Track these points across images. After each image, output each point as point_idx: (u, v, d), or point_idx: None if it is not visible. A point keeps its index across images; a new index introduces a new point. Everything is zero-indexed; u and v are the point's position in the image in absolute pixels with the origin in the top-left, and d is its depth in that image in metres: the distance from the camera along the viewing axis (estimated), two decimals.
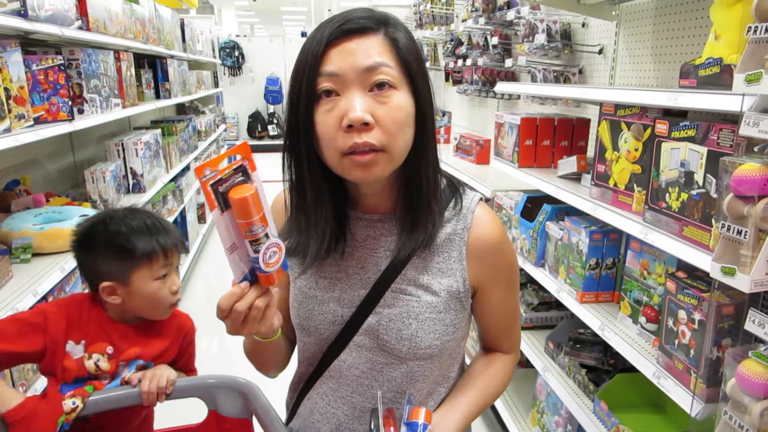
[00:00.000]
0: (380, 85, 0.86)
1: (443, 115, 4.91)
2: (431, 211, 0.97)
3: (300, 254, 1.00)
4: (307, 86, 0.88)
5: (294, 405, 1.15)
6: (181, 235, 1.39)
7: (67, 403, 1.14)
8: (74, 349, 1.26)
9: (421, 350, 0.97)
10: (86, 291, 1.36)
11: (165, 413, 1.42)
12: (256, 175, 0.83)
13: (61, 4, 2.20)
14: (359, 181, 0.93)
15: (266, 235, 0.82)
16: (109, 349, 1.29)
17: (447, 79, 4.74)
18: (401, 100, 0.88)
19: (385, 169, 0.89)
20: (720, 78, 1.33)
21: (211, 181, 0.79)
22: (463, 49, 3.95)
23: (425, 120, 0.93)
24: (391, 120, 0.87)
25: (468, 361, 1.16)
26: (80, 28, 2.41)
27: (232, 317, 0.84)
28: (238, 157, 0.82)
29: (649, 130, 1.55)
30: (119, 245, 1.28)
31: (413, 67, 0.91)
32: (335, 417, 1.05)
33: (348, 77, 0.86)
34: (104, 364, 1.28)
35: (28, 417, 1.12)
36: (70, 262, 2.18)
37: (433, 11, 4.65)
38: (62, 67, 2.21)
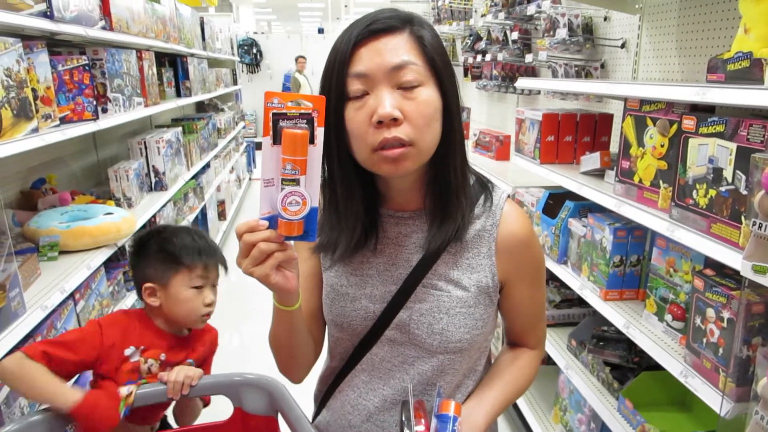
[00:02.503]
0: (408, 82, 0.89)
1: (462, 110, 4.89)
2: (460, 204, 0.99)
3: (331, 249, 1.03)
4: (337, 85, 0.91)
5: (323, 398, 1.17)
6: (222, 255, 1.57)
7: (123, 390, 1.24)
8: (133, 354, 1.41)
9: (452, 344, 1.00)
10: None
11: None
12: (321, 131, 0.84)
13: (86, 5, 2.23)
14: (390, 175, 0.95)
15: (296, 181, 0.83)
16: (162, 356, 1.43)
17: (466, 75, 4.72)
18: (428, 96, 0.91)
19: (415, 162, 0.92)
20: (750, 72, 1.30)
21: (274, 110, 0.82)
22: (482, 45, 3.92)
23: (452, 114, 0.95)
24: (419, 115, 0.89)
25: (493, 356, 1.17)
26: (103, 28, 2.44)
27: (240, 245, 0.85)
28: (311, 105, 0.83)
29: (675, 126, 1.53)
30: (166, 251, 1.46)
31: (439, 64, 0.93)
32: (366, 409, 1.08)
33: (377, 76, 0.89)
34: (155, 369, 1.41)
35: (92, 409, 1.21)
36: (96, 259, 2.22)
37: (451, 6, 4.62)
38: (87, 67, 2.24)
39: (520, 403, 2.60)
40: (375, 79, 0.89)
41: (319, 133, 0.83)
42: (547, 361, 2.60)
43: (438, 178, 0.98)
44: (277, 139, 0.82)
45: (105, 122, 2.37)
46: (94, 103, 2.28)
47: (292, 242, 0.89)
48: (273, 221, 0.85)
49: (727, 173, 1.31)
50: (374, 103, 0.88)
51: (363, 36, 0.90)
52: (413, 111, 0.89)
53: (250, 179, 8.75)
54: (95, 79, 2.45)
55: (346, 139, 0.93)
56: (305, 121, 0.83)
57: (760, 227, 1.06)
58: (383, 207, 1.05)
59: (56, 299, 1.87)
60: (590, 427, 2.10)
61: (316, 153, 0.84)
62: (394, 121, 0.87)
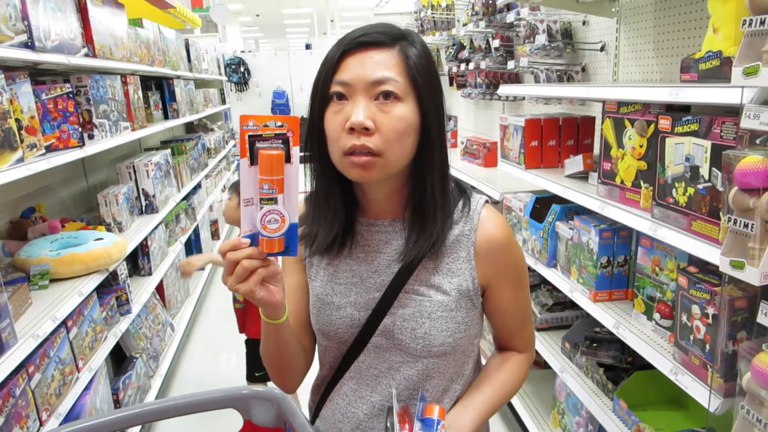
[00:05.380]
0: (386, 95, 0.93)
1: (449, 119, 4.92)
2: (436, 219, 1.01)
3: (311, 241, 1.07)
4: (322, 89, 0.97)
5: (316, 407, 1.19)
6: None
7: None
8: None
9: (435, 348, 1.02)
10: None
11: (202, 425, 1.46)
12: (296, 150, 0.86)
13: (67, 33, 2.25)
14: (357, 180, 0.99)
15: (274, 200, 0.85)
16: None
17: (451, 84, 4.75)
18: (403, 112, 0.94)
19: (381, 172, 0.95)
20: (720, 71, 1.33)
21: (250, 133, 0.84)
22: (465, 53, 3.96)
23: (430, 133, 0.98)
24: (391, 128, 0.93)
25: (483, 362, 1.18)
26: (86, 55, 2.45)
27: (225, 263, 0.88)
28: (285, 125, 0.86)
29: (652, 126, 1.55)
30: None
31: (421, 83, 0.96)
32: (355, 416, 1.10)
33: (357, 86, 0.93)
34: None
35: None
36: (87, 285, 2.22)
37: (434, 17, 4.67)
38: (71, 95, 2.25)
39: (519, 408, 2.60)
40: (355, 89, 0.93)
41: (295, 152, 0.86)
42: (544, 365, 2.61)
43: (416, 192, 1.02)
44: (254, 160, 0.85)
45: (91, 148, 2.38)
46: (80, 130, 2.29)
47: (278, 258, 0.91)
48: (255, 239, 0.87)
49: (704, 171, 1.33)
50: (350, 110, 0.93)
51: (351, 46, 0.95)
52: (386, 124, 0.92)
53: None
54: (80, 106, 2.47)
55: (325, 139, 0.98)
56: (281, 141, 0.85)
57: (735, 223, 1.08)
58: (363, 216, 1.08)
59: (48, 328, 1.87)
60: (588, 429, 2.10)
61: (293, 171, 0.86)
62: (366, 131, 0.92)
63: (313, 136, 1.00)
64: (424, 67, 0.97)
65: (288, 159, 0.85)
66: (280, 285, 0.92)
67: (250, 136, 0.85)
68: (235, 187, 2.76)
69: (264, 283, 0.89)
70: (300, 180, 0.92)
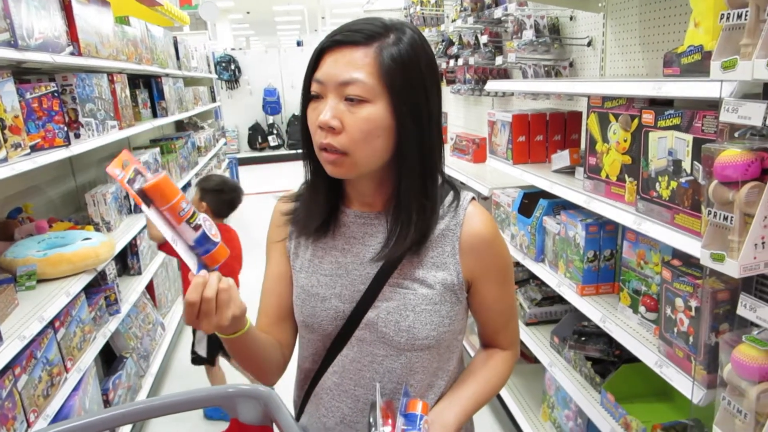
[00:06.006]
0: (352, 98, 0.93)
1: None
2: (419, 217, 1.01)
3: (301, 222, 1.10)
4: (305, 86, 0.99)
5: (302, 403, 1.19)
6: None
7: None
8: None
9: (419, 341, 1.02)
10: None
11: (193, 423, 1.44)
12: (152, 174, 0.86)
13: (51, 31, 2.23)
14: (331, 175, 1.00)
15: (195, 212, 0.86)
16: None
17: (441, 80, 4.75)
18: (371, 113, 0.93)
19: (349, 170, 0.97)
20: (702, 65, 1.33)
21: (126, 179, 0.83)
22: (454, 49, 3.96)
23: (407, 131, 0.96)
24: (357, 129, 0.93)
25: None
26: (72, 53, 2.43)
27: (203, 308, 0.87)
28: (128, 162, 0.85)
29: (636, 121, 1.56)
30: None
31: (395, 83, 0.93)
32: (339, 410, 1.10)
33: (328, 85, 0.94)
34: None
35: None
36: (75, 285, 2.20)
37: (423, 13, 4.66)
38: (56, 94, 2.23)
39: (510, 402, 2.61)
40: (328, 88, 0.94)
41: (154, 176, 0.86)
42: (534, 359, 2.62)
43: (397, 190, 1.02)
44: (147, 201, 0.84)
45: (77, 148, 2.36)
46: (65, 129, 2.28)
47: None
48: (203, 267, 0.88)
49: (686, 164, 1.34)
50: (322, 108, 0.95)
51: (327, 45, 0.96)
52: (352, 125, 0.93)
53: None
54: (66, 105, 2.45)
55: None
56: (140, 175, 0.85)
57: (715, 216, 1.09)
58: (349, 207, 1.09)
59: (35, 328, 1.86)
60: (577, 422, 2.11)
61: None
62: (332, 130, 0.93)
63: (304, 132, 1.03)
64: (403, 66, 0.94)
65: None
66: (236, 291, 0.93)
67: (128, 181, 0.83)
68: (200, 183, 2.88)
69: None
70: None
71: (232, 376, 3.08)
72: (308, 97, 0.98)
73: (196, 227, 0.86)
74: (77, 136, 2.50)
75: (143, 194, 0.84)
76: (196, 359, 2.90)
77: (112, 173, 0.83)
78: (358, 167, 0.97)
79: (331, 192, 1.08)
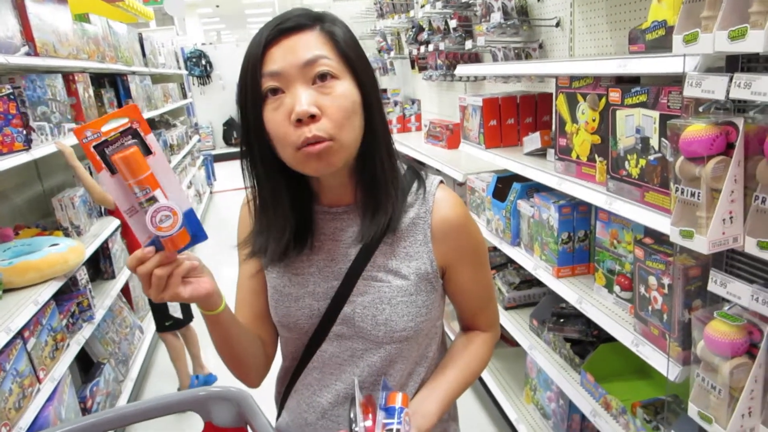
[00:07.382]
0: (322, 77, 0.89)
1: (413, 103, 4.89)
2: (389, 195, 0.99)
3: (262, 253, 1.03)
4: (252, 87, 0.90)
5: (282, 399, 1.17)
6: None
7: None
8: None
9: (397, 333, 1.00)
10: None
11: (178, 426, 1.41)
12: (151, 138, 0.82)
13: (3, 32, 2.15)
14: (317, 174, 0.94)
15: (153, 199, 0.81)
16: None
17: (413, 67, 4.71)
18: (344, 89, 0.91)
19: (340, 157, 0.91)
20: (667, 40, 1.32)
21: (94, 143, 0.79)
22: (424, 35, 3.92)
23: (372, 108, 0.95)
24: (337, 109, 0.89)
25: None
26: (27, 53, 2.35)
27: (139, 278, 0.85)
28: (126, 119, 0.80)
29: (603, 100, 1.55)
30: None
31: (353, 58, 0.93)
32: (320, 405, 1.08)
33: (290, 74, 0.89)
34: None
35: None
36: (44, 293, 2.14)
37: (392, 0, 4.61)
38: (11, 97, 2.16)
39: (493, 387, 2.61)
40: (289, 77, 0.88)
41: (151, 140, 0.81)
42: (516, 343, 2.62)
43: (366, 171, 0.99)
44: (112, 169, 0.80)
45: (38, 151, 2.30)
46: (24, 132, 2.20)
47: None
48: (158, 242, 0.83)
49: (654, 142, 1.33)
50: (291, 101, 0.88)
51: (273, 36, 0.90)
52: (330, 106, 0.88)
53: (211, 192, 8.62)
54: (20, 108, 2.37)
55: (268, 141, 0.93)
56: (130, 136, 0.80)
57: (683, 192, 1.08)
58: (317, 204, 1.05)
59: (1, 340, 1.80)
60: (559, 403, 2.12)
61: (158, 160, 0.81)
62: (312, 118, 0.87)
63: (251, 141, 0.94)
64: (353, 43, 0.95)
65: (148, 151, 0.81)
66: (206, 273, 0.90)
67: (95, 147, 0.79)
68: None
69: (186, 279, 0.87)
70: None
71: (223, 378, 3.05)
72: (260, 98, 0.90)
73: (148, 213, 0.81)
74: (29, 141, 2.42)
75: (109, 162, 0.79)
76: (171, 325, 2.97)
77: (80, 134, 0.78)
78: (346, 152, 0.92)
79: (294, 202, 1.01)
